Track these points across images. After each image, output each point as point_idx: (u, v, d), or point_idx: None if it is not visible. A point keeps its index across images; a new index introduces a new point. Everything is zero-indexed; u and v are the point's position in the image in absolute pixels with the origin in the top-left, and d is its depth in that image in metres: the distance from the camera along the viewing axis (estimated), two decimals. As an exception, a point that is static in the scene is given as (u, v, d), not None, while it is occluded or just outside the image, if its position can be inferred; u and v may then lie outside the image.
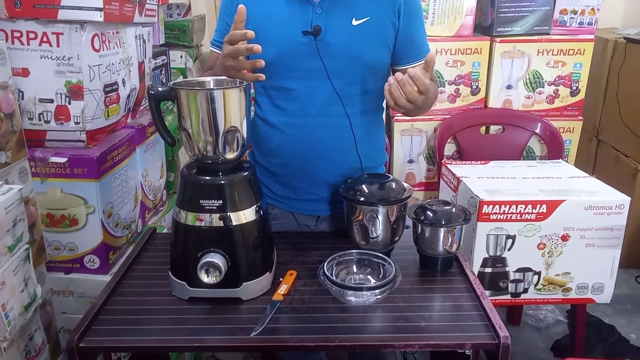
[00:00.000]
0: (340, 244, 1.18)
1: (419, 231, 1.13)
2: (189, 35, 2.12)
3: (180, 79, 2.03)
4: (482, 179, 1.70)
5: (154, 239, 1.30)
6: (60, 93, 1.22)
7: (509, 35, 2.18)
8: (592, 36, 2.20)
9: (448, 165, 1.85)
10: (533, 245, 1.59)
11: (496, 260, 1.62)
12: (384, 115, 1.40)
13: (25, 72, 1.20)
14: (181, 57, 2.11)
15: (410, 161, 2.31)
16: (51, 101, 1.22)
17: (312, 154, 1.25)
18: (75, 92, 1.22)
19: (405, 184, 1.19)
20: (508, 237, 1.58)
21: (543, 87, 2.23)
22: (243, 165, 1.06)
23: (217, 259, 0.97)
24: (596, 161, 2.84)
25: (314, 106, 1.22)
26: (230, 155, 1.01)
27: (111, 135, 1.38)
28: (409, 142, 2.28)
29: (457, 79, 2.22)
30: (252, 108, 1.34)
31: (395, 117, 2.23)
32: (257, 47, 1.01)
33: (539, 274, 1.64)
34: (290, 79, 1.22)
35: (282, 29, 1.18)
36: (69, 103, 1.23)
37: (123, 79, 1.39)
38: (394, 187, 1.16)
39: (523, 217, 1.56)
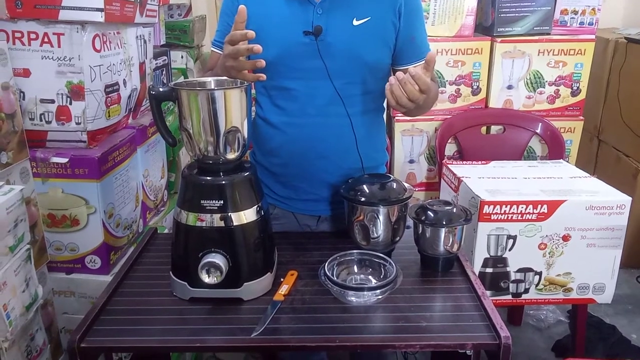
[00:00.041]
0: (341, 244, 1.18)
1: (420, 231, 1.13)
2: (190, 36, 2.12)
3: (181, 79, 2.04)
4: (483, 179, 1.70)
5: (155, 239, 1.30)
6: (62, 93, 1.22)
7: (509, 35, 2.18)
8: (593, 36, 2.20)
9: (449, 166, 1.85)
10: (534, 245, 1.59)
11: (497, 261, 1.62)
12: (384, 116, 1.40)
13: (26, 73, 1.20)
14: (182, 57, 2.12)
15: (411, 161, 2.31)
16: (52, 101, 1.23)
17: (312, 154, 1.25)
18: (76, 92, 1.22)
19: (406, 184, 1.19)
20: (509, 237, 1.58)
21: (544, 87, 2.23)
22: (244, 165, 1.06)
23: (218, 259, 0.97)
24: (597, 161, 2.83)
25: (314, 106, 1.23)
26: (231, 156, 1.01)
27: (112, 136, 1.39)
28: (409, 142, 2.28)
29: (457, 79, 2.22)
30: (253, 108, 1.35)
31: (396, 117, 2.23)
32: (258, 48, 1.01)
33: (540, 274, 1.63)
34: (290, 79, 1.22)
35: (282, 29, 1.19)
36: (70, 103, 1.23)
37: (124, 79, 1.39)
38: (394, 187, 1.16)
39: (524, 217, 1.56)
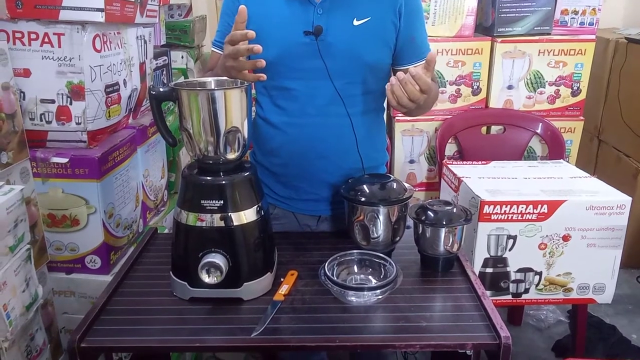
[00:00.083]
0: (341, 244, 1.18)
1: (420, 231, 1.13)
2: (190, 36, 2.12)
3: (182, 79, 2.04)
4: (483, 179, 1.70)
5: (155, 239, 1.30)
6: (62, 93, 1.22)
7: (510, 35, 2.18)
8: (593, 36, 2.20)
9: (449, 166, 1.85)
10: (534, 245, 1.59)
11: (497, 261, 1.62)
12: (384, 116, 1.40)
13: (26, 73, 1.20)
14: (182, 57, 2.12)
15: (411, 161, 2.31)
16: (52, 102, 1.23)
17: (313, 154, 1.25)
18: (76, 92, 1.22)
19: (406, 184, 1.19)
20: (509, 237, 1.58)
21: (544, 88, 2.23)
22: (244, 165, 1.06)
23: (218, 259, 0.97)
24: (597, 161, 2.83)
25: (314, 106, 1.23)
26: (231, 156, 1.01)
27: (112, 136, 1.39)
28: (410, 142, 2.28)
29: (458, 79, 2.22)
30: (253, 108, 1.35)
31: (396, 118, 2.23)
32: (258, 48, 1.01)
33: (540, 274, 1.63)
34: (291, 79, 1.22)
35: (283, 29, 1.19)
36: (70, 103, 1.23)
37: (124, 79, 1.39)
38: (395, 187, 1.16)
39: (524, 217, 1.56)
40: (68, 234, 1.31)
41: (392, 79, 1.07)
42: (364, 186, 1.15)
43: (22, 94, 1.21)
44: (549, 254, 1.61)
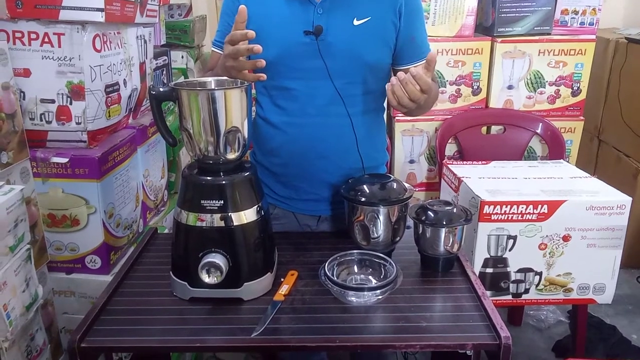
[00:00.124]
0: (342, 244, 1.18)
1: (420, 231, 1.13)
2: (190, 36, 2.12)
3: (182, 79, 2.04)
4: (483, 179, 1.70)
5: (155, 239, 1.30)
6: (62, 93, 1.22)
7: (510, 35, 2.18)
8: (593, 36, 2.20)
9: (449, 166, 1.85)
10: (534, 245, 1.59)
11: (497, 261, 1.62)
12: (385, 115, 1.40)
13: (26, 73, 1.20)
14: (182, 57, 2.12)
15: (412, 161, 2.31)
16: (52, 101, 1.23)
17: (313, 154, 1.25)
18: (76, 92, 1.22)
19: (407, 184, 1.19)
20: (509, 237, 1.58)
21: (544, 88, 2.23)
22: (244, 165, 1.06)
23: (218, 259, 0.97)
24: (597, 161, 2.83)
25: (314, 106, 1.23)
26: (231, 156, 1.01)
27: (112, 136, 1.39)
28: (410, 142, 2.28)
29: (458, 79, 2.22)
30: (253, 108, 1.35)
31: (396, 118, 2.23)
32: (258, 48, 1.01)
33: (540, 274, 1.63)
34: (291, 78, 1.22)
35: (283, 29, 1.19)
36: (71, 103, 1.23)
37: (124, 79, 1.39)
38: (395, 187, 1.16)
39: (524, 218, 1.56)
40: (68, 234, 1.31)
41: (393, 79, 1.07)
42: (364, 186, 1.15)
43: (22, 94, 1.21)
44: (549, 254, 1.61)
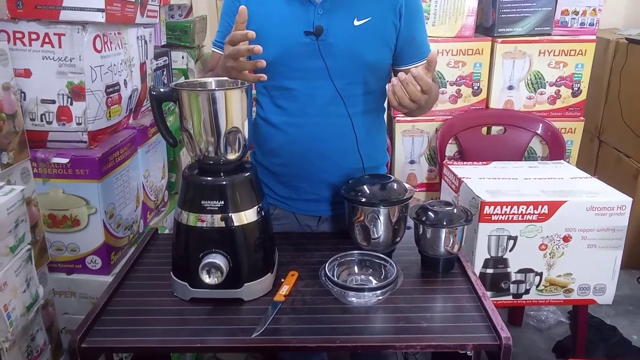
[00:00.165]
0: (342, 244, 1.18)
1: (421, 232, 1.13)
2: (191, 36, 2.13)
3: (182, 79, 2.04)
4: (484, 180, 1.70)
5: (156, 239, 1.30)
6: (62, 94, 1.22)
7: (510, 35, 2.18)
8: (594, 37, 2.20)
9: (449, 166, 1.85)
10: (534, 246, 1.59)
11: (498, 261, 1.61)
12: (385, 116, 1.40)
13: (27, 73, 1.20)
14: (183, 57, 2.12)
15: (412, 162, 2.31)
16: (53, 102, 1.23)
17: (313, 154, 1.25)
18: (77, 93, 1.22)
19: (407, 185, 1.19)
20: (509, 237, 1.58)
21: (544, 88, 2.23)
22: (244, 165, 1.06)
23: (218, 259, 0.97)
24: (598, 162, 2.83)
25: (315, 106, 1.23)
26: (231, 156, 1.01)
27: (113, 136, 1.39)
28: (410, 142, 2.28)
29: (458, 79, 2.22)
30: (254, 109, 1.35)
31: (397, 118, 2.23)
32: (258, 48, 1.01)
33: (540, 274, 1.63)
34: (291, 79, 1.22)
35: (283, 29, 1.19)
36: (71, 104, 1.23)
37: (125, 79, 1.39)
38: (395, 187, 1.16)
39: (524, 218, 1.55)
40: (69, 235, 1.31)
41: (394, 79, 1.07)
42: (365, 187, 1.15)
43: (22, 94, 1.21)
44: (550, 254, 1.61)
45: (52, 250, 1.31)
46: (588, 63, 2.20)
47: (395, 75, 1.08)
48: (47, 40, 1.19)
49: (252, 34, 1.00)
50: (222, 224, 0.99)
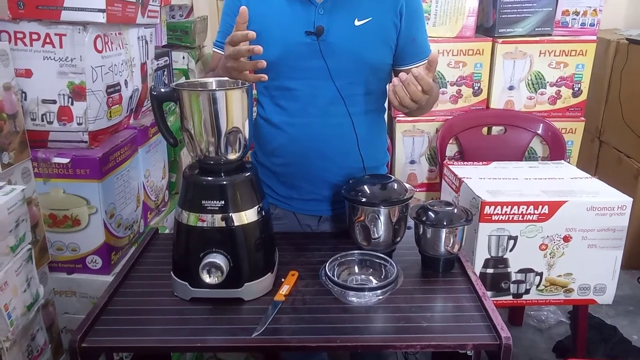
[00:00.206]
0: (342, 244, 1.18)
1: (421, 232, 1.13)
2: (192, 36, 2.13)
3: (183, 79, 2.04)
4: (484, 180, 1.70)
5: (156, 239, 1.30)
6: (63, 94, 1.22)
7: (511, 36, 2.18)
8: (594, 37, 2.20)
9: (450, 166, 1.85)
10: (535, 246, 1.59)
11: (498, 261, 1.61)
12: (385, 116, 1.40)
13: (28, 73, 1.21)
14: (183, 58, 2.12)
15: (412, 162, 2.31)
16: (54, 102, 1.23)
17: (314, 154, 1.25)
18: (78, 93, 1.22)
19: (407, 185, 1.19)
20: (510, 237, 1.58)
21: (545, 88, 2.23)
22: (245, 165, 1.06)
23: (219, 259, 0.97)
24: (598, 162, 2.83)
25: (316, 106, 1.23)
26: (232, 156, 1.01)
27: (114, 136, 1.39)
28: (410, 142, 2.28)
29: (459, 79, 2.22)
30: (255, 108, 1.35)
31: (397, 118, 2.23)
32: (259, 48, 1.01)
33: (540, 274, 1.63)
34: (292, 79, 1.22)
35: (284, 30, 1.19)
36: (72, 104, 1.23)
37: (125, 80, 1.39)
38: (395, 187, 1.16)
39: (525, 218, 1.55)
40: (69, 234, 1.31)
41: (395, 79, 1.07)
42: (365, 187, 1.15)
43: (23, 95, 1.21)
44: (550, 254, 1.61)
45: (53, 250, 1.31)
46: (589, 63, 2.20)
47: (396, 76, 1.08)
48: (48, 40, 1.19)
49: (252, 34, 1.00)
50: (223, 224, 0.99)
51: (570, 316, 2.11)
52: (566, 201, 1.54)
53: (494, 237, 1.58)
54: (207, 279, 0.97)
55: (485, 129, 2.30)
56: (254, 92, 1.34)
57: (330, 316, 0.97)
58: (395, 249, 1.19)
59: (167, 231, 1.60)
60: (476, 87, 2.23)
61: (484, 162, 1.91)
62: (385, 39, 1.23)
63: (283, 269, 1.12)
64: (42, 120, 1.24)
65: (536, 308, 2.24)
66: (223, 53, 1.13)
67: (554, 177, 1.75)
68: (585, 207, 1.55)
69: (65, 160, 1.25)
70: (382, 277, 1.04)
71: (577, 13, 2.19)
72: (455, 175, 1.76)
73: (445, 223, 1.10)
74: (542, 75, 2.21)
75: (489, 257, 1.61)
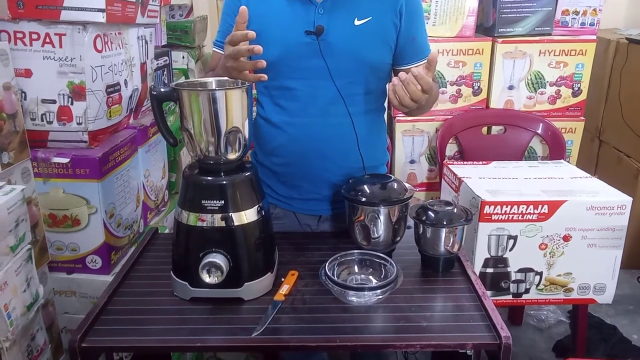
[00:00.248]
0: (342, 244, 1.18)
1: (421, 231, 1.13)
2: (191, 36, 2.13)
3: (182, 79, 2.04)
4: (484, 180, 1.70)
5: (156, 239, 1.30)
6: (63, 94, 1.22)
7: (510, 35, 2.18)
8: (594, 37, 2.20)
9: (449, 166, 1.85)
10: (535, 245, 1.59)
11: (498, 261, 1.62)
12: (385, 116, 1.40)
13: (27, 73, 1.21)
14: (183, 57, 2.12)
15: (412, 161, 2.31)
16: (54, 102, 1.23)
17: (314, 154, 1.25)
18: (77, 92, 1.22)
19: (407, 185, 1.19)
20: (509, 237, 1.58)
21: (545, 88, 2.23)
22: (245, 165, 1.06)
23: (218, 259, 0.97)
24: (598, 162, 2.83)
25: (316, 106, 1.23)
26: (232, 156, 1.01)
27: (113, 136, 1.39)
28: (410, 142, 2.28)
29: (458, 79, 2.22)
30: (254, 108, 1.35)
31: (397, 118, 2.23)
32: (258, 48, 1.01)
33: (540, 274, 1.63)
34: (292, 78, 1.22)
35: (284, 29, 1.19)
36: (72, 104, 1.23)
37: (125, 79, 1.39)
38: (395, 187, 1.16)
39: (524, 218, 1.55)
40: (69, 234, 1.31)
41: (394, 79, 1.07)
42: (365, 186, 1.15)
43: (23, 94, 1.21)
44: (550, 254, 1.61)
45: (53, 250, 1.31)
46: (588, 63, 2.20)
47: (396, 75, 1.08)
48: (47, 40, 1.19)
49: (252, 34, 1.00)
50: (223, 224, 0.99)
51: (570, 315, 2.11)
52: (566, 201, 1.55)
53: (494, 236, 1.58)
54: (207, 278, 0.97)
55: (485, 129, 2.30)
56: (254, 91, 1.34)
57: (330, 316, 0.97)
58: (395, 248, 1.19)
59: (166, 231, 1.60)
60: (476, 87, 2.23)
61: (483, 162, 1.91)
62: (385, 39, 1.23)
63: (283, 269, 1.12)
64: (42, 120, 1.24)
65: (536, 307, 2.24)
66: (223, 53, 1.13)
67: (553, 177, 1.75)
68: (585, 206, 1.55)
69: (65, 160, 1.25)
70: (382, 276, 1.04)
71: (576, 13, 2.19)
72: (455, 174, 1.76)
73: (445, 223, 1.10)
74: (542, 75, 2.21)
75: (489, 256, 1.61)
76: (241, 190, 1.01)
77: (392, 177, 1.21)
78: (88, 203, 1.28)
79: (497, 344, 0.89)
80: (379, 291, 0.98)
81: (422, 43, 1.27)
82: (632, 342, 2.03)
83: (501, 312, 0.97)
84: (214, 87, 1.06)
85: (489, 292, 1.53)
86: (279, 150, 1.29)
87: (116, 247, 1.38)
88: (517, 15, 2.16)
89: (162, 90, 1.01)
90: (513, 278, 1.64)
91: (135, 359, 1.23)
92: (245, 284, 1.01)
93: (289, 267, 1.13)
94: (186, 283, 1.01)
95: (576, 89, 2.23)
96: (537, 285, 1.65)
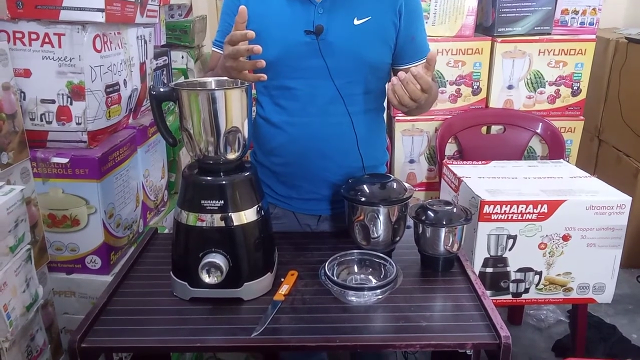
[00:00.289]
0: (342, 244, 1.18)
1: (420, 231, 1.13)
2: (190, 36, 2.13)
3: (182, 79, 2.04)
4: (483, 179, 1.70)
5: (156, 239, 1.30)
6: (62, 94, 1.22)
7: (510, 35, 2.18)
8: (594, 36, 2.20)
9: (449, 165, 1.85)
10: (534, 245, 1.59)
11: (497, 260, 1.62)
12: (385, 115, 1.40)
13: (27, 73, 1.21)
14: (182, 57, 2.12)
15: (411, 161, 2.31)
16: (53, 102, 1.23)
17: (314, 153, 1.25)
18: (76, 92, 1.22)
19: (407, 184, 1.19)
20: (509, 237, 1.58)
21: (544, 87, 2.23)
22: (244, 165, 1.06)
23: (218, 259, 0.97)
24: (597, 161, 2.83)
25: (315, 105, 1.23)
26: (231, 156, 1.01)
27: (113, 136, 1.39)
28: (410, 142, 2.28)
29: (458, 79, 2.22)
30: (254, 108, 1.35)
31: (397, 117, 2.23)
32: (258, 48, 1.01)
33: (540, 273, 1.63)
34: (292, 78, 1.22)
35: (284, 29, 1.19)
36: (71, 104, 1.23)
37: (124, 79, 1.39)
38: (395, 187, 1.16)
39: (524, 217, 1.56)
40: (68, 234, 1.31)
41: (394, 78, 1.07)
42: (364, 186, 1.15)
43: (22, 94, 1.21)
44: (549, 253, 1.61)
45: (52, 250, 1.31)
46: (588, 62, 2.20)
47: (395, 75, 1.08)
48: (47, 40, 1.19)
49: (251, 33, 1.00)
50: (222, 224, 0.99)
51: (569, 315, 2.12)
52: (565, 200, 1.55)
53: (493, 236, 1.58)
54: (206, 278, 0.97)
55: (484, 128, 2.30)
56: (253, 91, 1.33)
57: (329, 316, 0.97)
58: (395, 248, 1.19)
59: (166, 231, 1.60)
60: (475, 86, 2.23)
61: (483, 162, 1.91)
62: (384, 38, 1.23)
63: (282, 269, 1.12)
64: (41, 120, 1.24)
65: (535, 307, 2.24)
66: (222, 52, 1.13)
67: (553, 176, 1.75)
68: (585, 206, 1.55)
69: (64, 160, 1.25)
70: (382, 276, 1.04)
71: (576, 12, 2.19)
72: (454, 174, 1.76)
73: (444, 222, 1.10)
74: (541, 75, 2.21)
75: (488, 256, 1.61)
76: (241, 190, 1.01)
77: (392, 176, 1.21)
78: (87, 203, 1.28)
79: (496, 343, 0.89)
80: (378, 291, 0.98)
81: (422, 42, 1.27)
82: (631, 342, 2.03)
83: (501, 312, 0.97)
84: (213, 87, 1.06)
85: (488, 292, 1.53)
86: (278, 150, 1.29)
87: (115, 247, 1.38)
88: (517, 14, 2.16)
89: (162, 90, 1.01)
90: (512, 278, 1.64)
91: (134, 359, 1.23)
92: (245, 284, 1.01)
93: (288, 267, 1.13)
94: (186, 283, 1.01)
95: (575, 88, 2.23)
96: (537, 284, 1.65)
